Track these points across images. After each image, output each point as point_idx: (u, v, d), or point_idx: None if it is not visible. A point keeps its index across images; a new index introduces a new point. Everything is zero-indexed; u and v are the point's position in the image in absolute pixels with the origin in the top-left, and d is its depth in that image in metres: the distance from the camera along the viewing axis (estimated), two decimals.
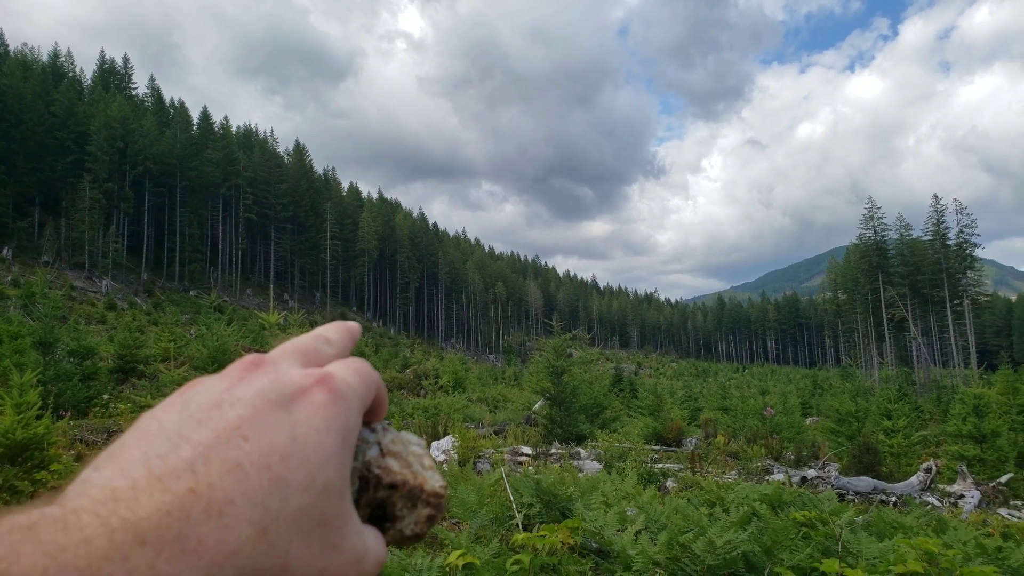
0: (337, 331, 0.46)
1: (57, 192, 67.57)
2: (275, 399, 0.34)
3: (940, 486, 10.88)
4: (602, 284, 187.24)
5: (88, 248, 63.00)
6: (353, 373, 0.40)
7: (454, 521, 6.16)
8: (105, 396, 16.22)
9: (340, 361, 0.42)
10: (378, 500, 0.39)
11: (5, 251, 57.29)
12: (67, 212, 65.60)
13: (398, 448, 0.42)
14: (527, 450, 12.06)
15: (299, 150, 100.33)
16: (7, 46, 76.09)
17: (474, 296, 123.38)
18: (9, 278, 49.63)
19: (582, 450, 12.73)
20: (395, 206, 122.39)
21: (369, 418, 0.42)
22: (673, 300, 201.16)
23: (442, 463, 9.33)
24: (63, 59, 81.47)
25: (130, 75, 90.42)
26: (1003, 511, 9.83)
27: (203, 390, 0.34)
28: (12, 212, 63.19)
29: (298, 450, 0.32)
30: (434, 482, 0.41)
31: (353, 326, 0.49)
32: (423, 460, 0.42)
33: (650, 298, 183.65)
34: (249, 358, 0.37)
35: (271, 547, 0.30)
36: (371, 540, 0.38)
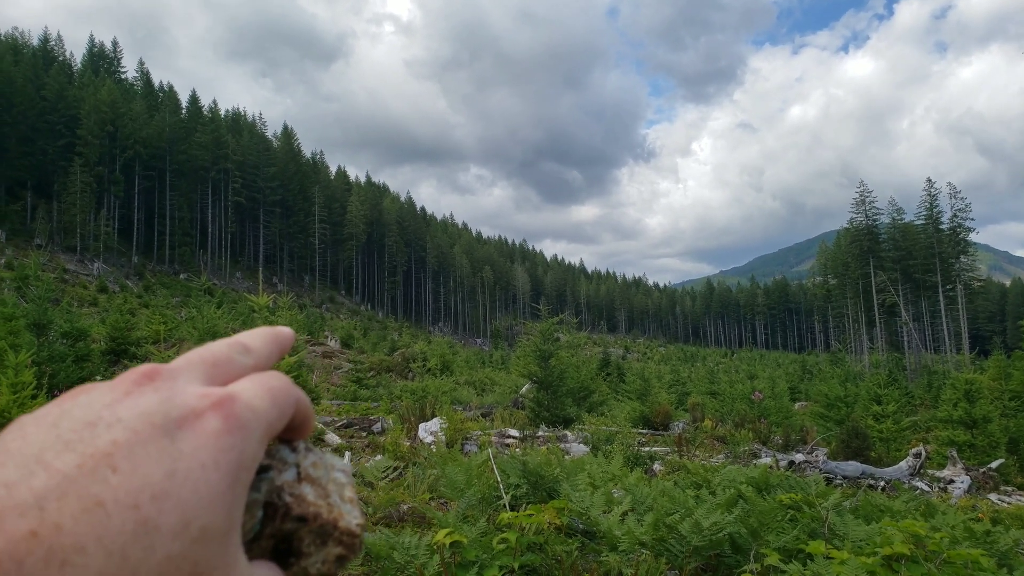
0: (260, 338, 0.41)
1: (49, 176, 67.56)
2: (160, 424, 0.29)
3: (929, 471, 10.91)
4: (590, 268, 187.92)
5: (80, 231, 63.13)
6: (263, 394, 0.34)
7: (442, 501, 6.15)
8: (98, 377, 16.21)
9: (252, 377, 0.36)
10: (284, 532, 0.35)
11: None
12: (59, 195, 65.67)
13: (318, 473, 0.37)
14: (514, 432, 12.03)
15: (287, 134, 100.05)
16: None
17: (462, 280, 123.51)
18: (3, 261, 49.74)
19: (569, 433, 12.72)
20: (383, 190, 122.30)
21: (292, 436, 0.38)
22: (662, 284, 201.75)
23: (430, 444, 9.29)
24: (53, 43, 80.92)
25: (119, 59, 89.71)
26: (993, 496, 9.86)
27: (83, 403, 0.30)
28: (5, 196, 63.88)
29: (175, 488, 0.27)
30: (351, 519, 0.36)
31: (283, 332, 0.43)
32: (344, 491, 0.37)
33: (638, 282, 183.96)
34: (144, 368, 0.33)
35: None
36: None
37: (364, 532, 0.37)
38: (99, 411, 0.29)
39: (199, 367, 0.35)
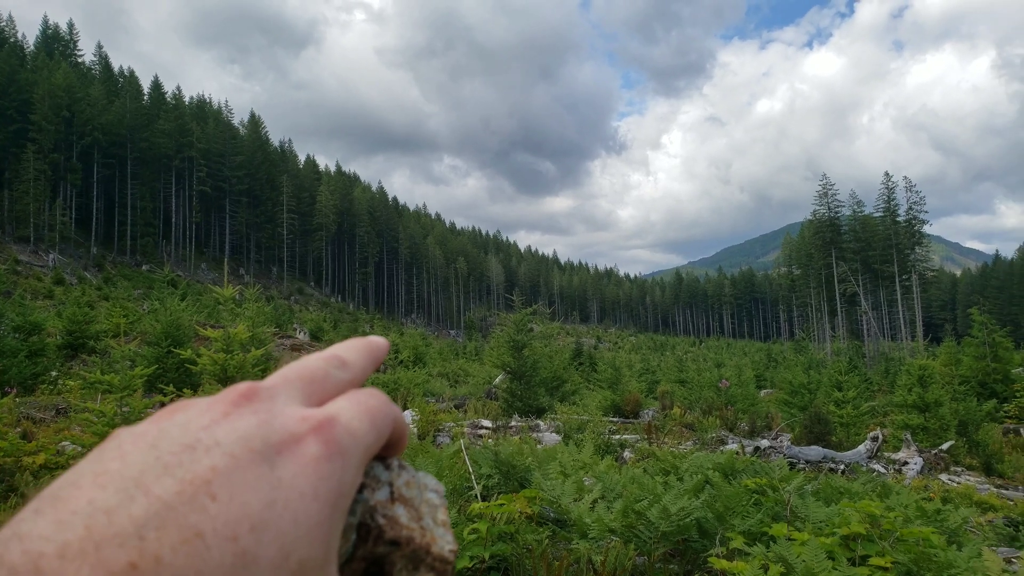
0: (356, 351, 0.39)
1: None
2: (259, 449, 0.28)
3: (886, 454, 11.27)
4: (563, 259, 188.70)
5: (33, 221, 61.11)
6: (363, 415, 0.33)
7: None
8: (53, 373, 15.89)
9: (351, 395, 0.35)
10: (376, 555, 0.33)
11: None
12: (10, 184, 63.43)
13: (412, 493, 0.36)
14: (487, 423, 12.12)
15: (255, 122, 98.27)
16: None
17: (435, 271, 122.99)
18: None
19: (542, 422, 12.85)
20: (354, 179, 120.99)
21: (386, 453, 0.37)
22: (632, 275, 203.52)
23: None
24: (3, 23, 77.70)
25: (75, 42, 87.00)
26: (944, 477, 10.26)
27: (181, 422, 0.29)
28: None
29: (275, 519, 0.26)
30: (444, 544, 0.34)
31: (377, 343, 0.41)
32: (437, 513, 0.36)
33: (610, 273, 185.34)
34: (242, 387, 0.32)
35: None
36: None
37: (456, 558, 0.35)
38: (197, 433, 0.28)
39: (296, 385, 0.34)
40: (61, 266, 56.43)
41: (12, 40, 76.45)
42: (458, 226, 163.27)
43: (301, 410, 0.32)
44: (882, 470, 10.00)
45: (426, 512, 0.35)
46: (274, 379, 0.34)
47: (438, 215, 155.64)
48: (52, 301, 41.21)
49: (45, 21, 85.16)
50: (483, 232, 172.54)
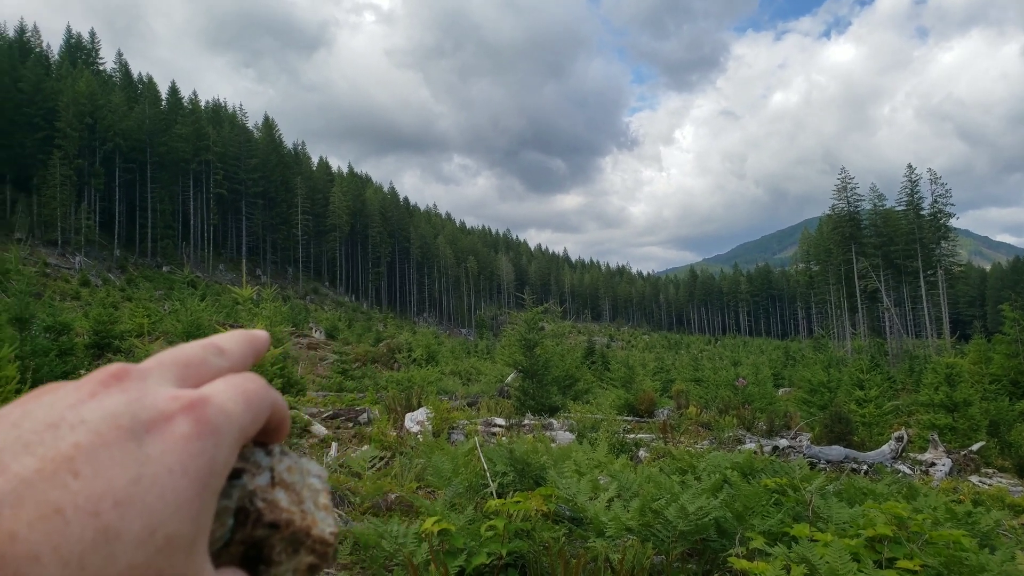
0: (235, 341, 0.39)
1: (28, 169, 66.47)
2: (126, 426, 0.28)
3: (911, 455, 11.06)
4: (574, 257, 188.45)
5: (60, 225, 62.37)
6: (238, 396, 0.33)
7: (429, 490, 6.16)
8: (82, 371, 16.08)
9: (226, 379, 0.34)
10: (255, 539, 0.33)
11: None
12: (38, 189, 64.75)
13: (293, 479, 0.36)
14: (500, 421, 12.05)
15: (268, 125, 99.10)
16: None
17: (446, 270, 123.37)
18: None
19: (555, 421, 12.76)
20: (365, 180, 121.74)
21: (267, 439, 0.36)
22: (645, 273, 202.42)
23: (416, 434, 9.28)
24: (29, 34, 79.19)
25: (97, 50, 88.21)
26: (974, 479, 10.02)
27: (47, 403, 0.28)
28: None
29: (140, 494, 0.26)
30: (324, 527, 0.35)
31: (258, 336, 0.41)
32: (319, 497, 0.36)
33: (622, 271, 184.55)
34: (113, 368, 0.31)
35: None
36: None
37: (337, 541, 0.35)
38: (62, 412, 0.27)
39: (171, 368, 0.33)
40: (87, 268, 57.39)
41: (38, 50, 77.86)
42: (468, 225, 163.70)
43: (173, 390, 0.31)
44: (908, 471, 9.81)
45: (307, 496, 0.35)
46: (148, 362, 0.33)
47: (448, 215, 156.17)
48: (79, 302, 41.87)
49: (68, 31, 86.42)
50: (493, 231, 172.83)
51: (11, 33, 77.89)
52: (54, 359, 14.66)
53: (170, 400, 0.30)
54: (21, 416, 0.27)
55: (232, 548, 0.33)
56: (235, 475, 0.34)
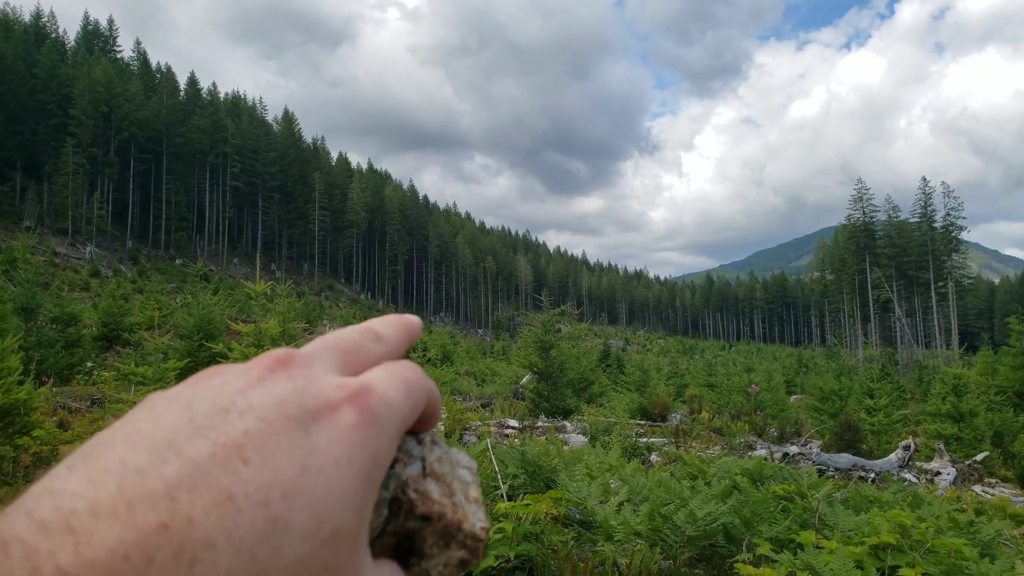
0: (391, 326, 0.39)
1: (39, 156, 66.49)
2: (294, 414, 0.28)
3: (918, 463, 11.07)
4: (592, 260, 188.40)
5: (71, 214, 62.17)
6: (398, 385, 0.33)
7: None
8: (89, 363, 16.17)
9: (386, 366, 0.34)
10: (407, 531, 0.33)
11: None
12: (50, 177, 64.67)
13: (444, 469, 0.35)
14: (513, 423, 12.15)
15: (288, 118, 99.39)
16: None
17: (464, 270, 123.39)
18: None
19: (568, 423, 12.84)
20: (385, 177, 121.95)
21: (418, 427, 0.36)
22: (663, 278, 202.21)
23: None
24: (46, 19, 79.58)
25: (115, 37, 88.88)
26: (977, 488, 10.03)
27: (216, 385, 0.28)
28: None
29: (308, 485, 0.26)
30: (475, 521, 0.34)
31: (411, 320, 0.41)
32: (469, 490, 0.35)
33: (639, 275, 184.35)
34: (278, 352, 0.31)
35: None
36: None
37: (487, 536, 0.34)
38: (232, 396, 0.28)
39: (333, 354, 0.34)
40: (97, 259, 57.31)
41: (53, 36, 78.04)
42: (488, 225, 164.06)
43: (337, 378, 0.31)
44: (914, 480, 9.83)
45: (458, 489, 0.35)
46: (311, 347, 0.33)
47: (468, 214, 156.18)
48: (88, 293, 41.97)
49: (86, 17, 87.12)
50: (512, 232, 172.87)
51: (26, 18, 78.25)
52: (60, 351, 14.60)
53: (335, 389, 0.30)
54: (191, 399, 0.27)
55: (384, 539, 0.32)
56: (390, 465, 0.33)
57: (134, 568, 0.21)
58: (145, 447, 0.25)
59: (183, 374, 12.97)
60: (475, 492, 0.35)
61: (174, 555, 0.22)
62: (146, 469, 0.24)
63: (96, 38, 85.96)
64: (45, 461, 6.62)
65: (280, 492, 0.25)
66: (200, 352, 14.48)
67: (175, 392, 0.28)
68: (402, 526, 0.33)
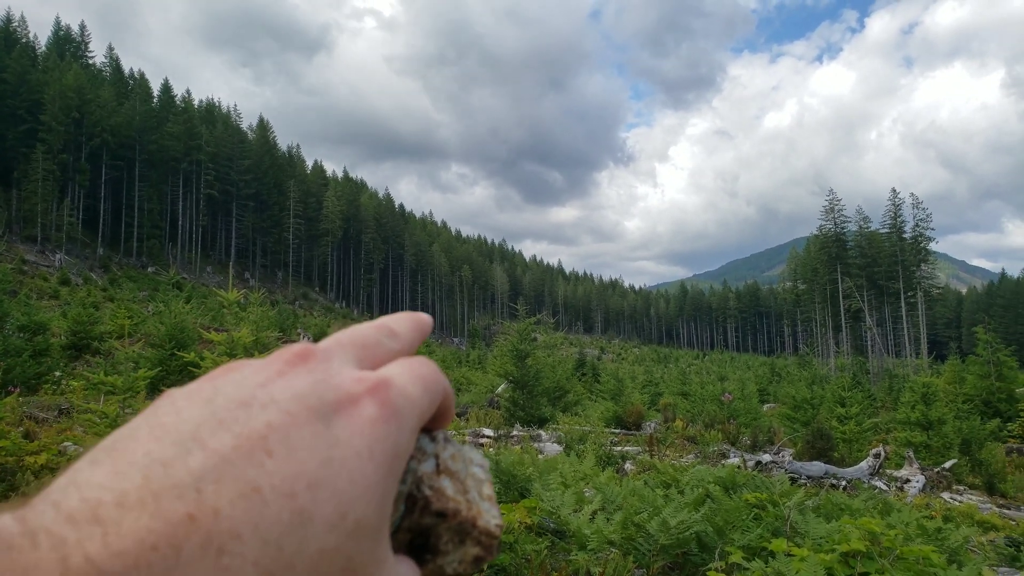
0: (405, 323, 0.39)
1: (8, 162, 65.37)
2: (316, 407, 0.28)
3: (888, 471, 11.23)
4: (568, 269, 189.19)
5: (41, 221, 61.18)
6: (416, 380, 0.33)
7: None
8: (57, 373, 15.89)
9: (402, 362, 0.34)
10: (422, 527, 0.33)
11: None
12: (19, 183, 63.66)
13: (457, 467, 0.35)
14: (489, 432, 12.13)
15: (263, 126, 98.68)
16: None
17: (440, 279, 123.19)
18: None
19: (543, 432, 12.84)
20: (361, 186, 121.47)
21: (431, 425, 0.36)
22: (638, 287, 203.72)
23: None
24: (16, 24, 78.00)
25: (87, 43, 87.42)
26: (946, 495, 10.21)
27: (236, 380, 0.29)
28: None
29: (331, 477, 0.26)
30: (489, 518, 0.34)
31: (423, 318, 0.41)
32: (482, 488, 0.35)
33: (615, 284, 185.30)
34: (297, 347, 0.31)
35: None
36: None
37: (502, 533, 0.34)
38: (253, 390, 0.28)
39: (350, 349, 0.34)
40: (67, 266, 56.48)
41: (24, 41, 76.56)
42: (464, 234, 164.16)
43: (356, 372, 0.32)
44: (884, 487, 9.96)
45: (472, 486, 0.35)
46: (328, 342, 0.34)
47: (444, 223, 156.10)
48: (57, 301, 41.31)
49: (57, 22, 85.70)
50: (489, 240, 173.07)
51: None
52: (27, 360, 14.40)
53: (355, 382, 0.30)
54: (213, 393, 0.28)
55: (400, 535, 0.32)
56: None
57: (163, 558, 0.21)
58: (169, 440, 0.25)
59: (154, 384, 12.79)
60: (488, 489, 0.35)
61: (202, 545, 0.22)
62: (171, 461, 0.24)
63: (68, 44, 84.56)
64: (10, 473, 6.46)
65: (305, 484, 0.25)
66: (172, 361, 14.28)
67: (195, 387, 0.28)
68: (417, 522, 0.33)
